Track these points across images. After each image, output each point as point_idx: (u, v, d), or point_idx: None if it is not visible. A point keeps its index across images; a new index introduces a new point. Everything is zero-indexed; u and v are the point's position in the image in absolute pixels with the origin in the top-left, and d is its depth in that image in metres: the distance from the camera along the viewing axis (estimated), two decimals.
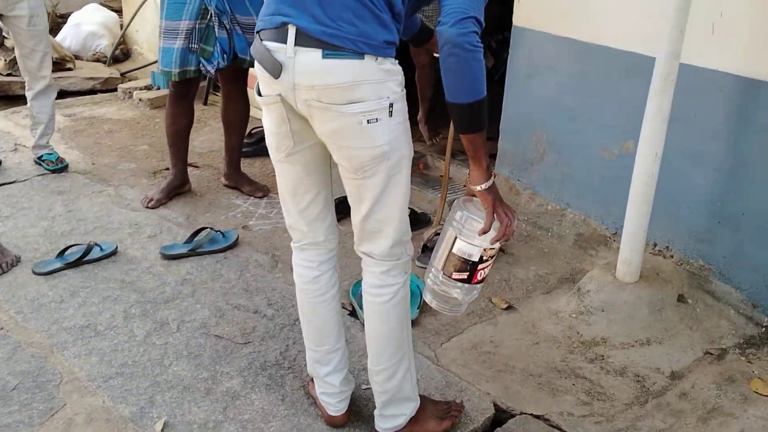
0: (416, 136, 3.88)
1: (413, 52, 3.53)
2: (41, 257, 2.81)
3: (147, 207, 3.25)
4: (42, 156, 3.59)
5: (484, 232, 1.64)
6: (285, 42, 1.58)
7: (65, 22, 5.59)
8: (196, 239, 2.90)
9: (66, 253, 2.78)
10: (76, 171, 3.62)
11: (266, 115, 1.76)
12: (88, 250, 2.78)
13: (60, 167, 3.57)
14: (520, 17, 3.04)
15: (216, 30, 2.95)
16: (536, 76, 3.06)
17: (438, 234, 2.97)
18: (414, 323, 2.49)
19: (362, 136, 1.60)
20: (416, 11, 1.82)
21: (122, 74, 5.19)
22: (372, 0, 1.55)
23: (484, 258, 1.68)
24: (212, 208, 3.30)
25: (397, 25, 1.61)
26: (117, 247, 2.87)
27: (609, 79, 2.81)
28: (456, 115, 1.59)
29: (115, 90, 4.79)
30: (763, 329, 2.52)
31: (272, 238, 3.05)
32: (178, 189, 3.36)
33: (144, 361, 2.27)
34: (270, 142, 1.80)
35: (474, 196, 1.69)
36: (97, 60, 5.34)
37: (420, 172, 3.53)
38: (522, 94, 3.13)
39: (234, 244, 2.95)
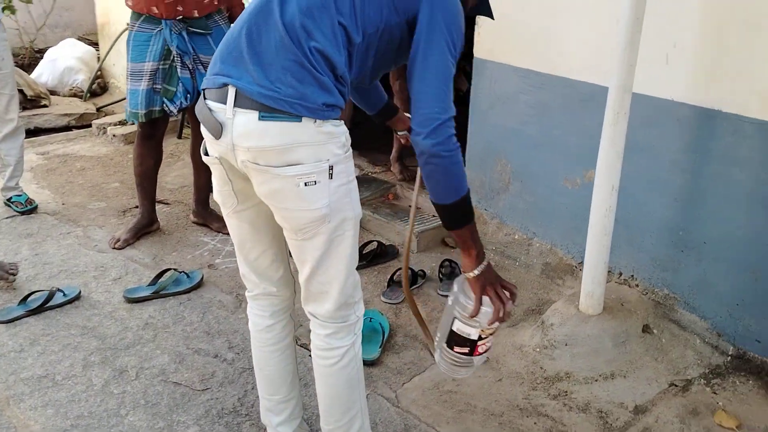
0: (382, 161, 3.89)
1: (392, 78, 3.51)
2: (4, 304, 2.79)
3: (114, 248, 3.23)
4: (11, 198, 3.58)
5: (471, 317, 1.63)
6: (225, 102, 1.57)
7: (43, 57, 5.61)
8: (160, 281, 2.88)
9: (28, 299, 2.76)
10: (45, 212, 3.61)
11: (212, 173, 1.76)
12: (51, 296, 2.76)
13: (29, 209, 3.57)
14: (480, 49, 3.04)
15: (179, 70, 2.96)
16: (498, 106, 3.06)
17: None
18: (376, 363, 2.48)
19: (300, 198, 1.57)
20: (376, 77, 1.78)
21: (99, 108, 5.19)
22: (311, 62, 1.53)
23: (483, 336, 1.67)
24: (179, 247, 3.28)
25: (340, 87, 1.58)
26: (80, 292, 2.85)
27: (569, 110, 2.81)
28: (441, 214, 1.59)
29: (91, 126, 4.79)
30: (729, 358, 2.49)
31: (237, 276, 2.97)
32: (146, 228, 3.34)
33: (100, 411, 2.25)
34: (217, 198, 1.80)
35: None
36: (74, 95, 5.34)
37: (389, 202, 3.52)
38: (485, 124, 3.13)
39: (199, 285, 2.93)
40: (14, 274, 2.92)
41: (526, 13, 2.85)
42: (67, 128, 4.82)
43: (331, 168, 1.57)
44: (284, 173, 1.55)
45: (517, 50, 2.92)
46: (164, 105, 3.00)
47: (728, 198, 2.43)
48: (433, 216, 3.37)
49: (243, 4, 3.17)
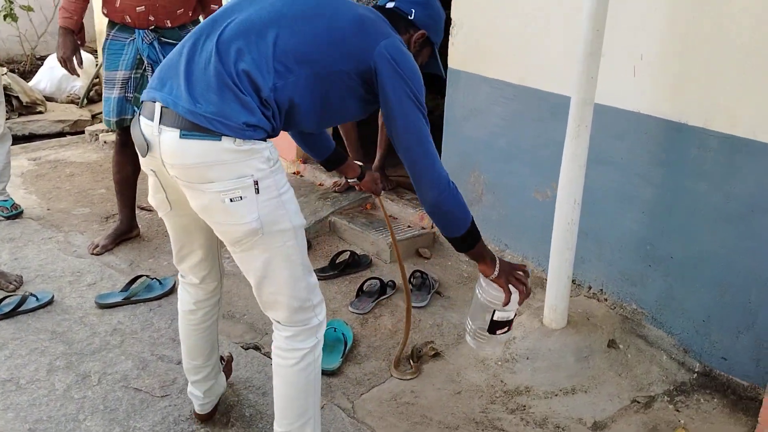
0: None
1: None
2: None
3: (92, 253, 3.26)
4: None
5: (505, 304, 1.80)
6: (153, 119, 1.62)
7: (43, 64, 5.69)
8: (132, 287, 2.90)
9: (1, 304, 2.79)
10: (30, 217, 3.65)
11: (149, 179, 1.80)
12: (23, 300, 2.79)
13: (14, 214, 3.60)
14: (454, 59, 3.04)
15: (149, 79, 2.98)
16: (472, 117, 3.05)
17: (372, 279, 2.96)
18: (336, 372, 2.48)
19: (227, 213, 1.61)
20: (325, 123, 1.82)
21: (94, 115, 5.24)
22: (235, 82, 1.56)
23: (517, 314, 1.95)
24: (157, 254, 3.31)
25: (264, 110, 1.60)
26: (53, 297, 2.88)
27: (540, 121, 2.80)
28: (454, 243, 1.78)
29: (84, 132, 4.84)
30: (695, 375, 2.46)
31: None
32: (125, 235, 3.37)
33: (59, 416, 2.26)
34: (151, 201, 1.86)
35: None
36: (72, 102, 5.41)
37: (367, 212, 3.52)
38: (459, 135, 3.12)
39: (170, 291, 2.94)
40: (16, 288, 2.94)
41: (497, 24, 2.85)
42: (61, 134, 4.87)
43: (256, 183, 1.60)
44: (209, 189, 1.59)
45: (490, 61, 2.92)
46: (134, 113, 3.03)
47: (694, 212, 2.41)
48: (408, 227, 3.37)
49: None
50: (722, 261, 2.37)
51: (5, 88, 4.77)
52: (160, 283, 2.96)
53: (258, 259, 1.67)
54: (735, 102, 2.24)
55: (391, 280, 3.00)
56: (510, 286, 1.79)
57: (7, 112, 4.65)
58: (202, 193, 1.60)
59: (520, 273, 1.83)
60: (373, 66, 1.62)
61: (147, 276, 2.97)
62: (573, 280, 2.79)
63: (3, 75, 4.88)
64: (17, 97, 4.84)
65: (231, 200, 1.58)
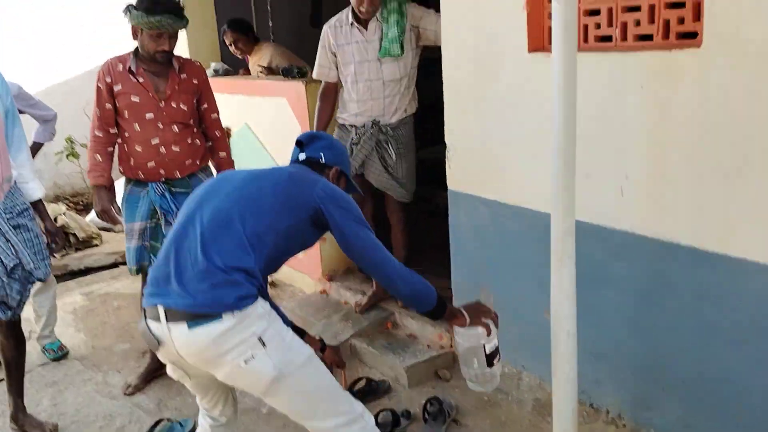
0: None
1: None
2: None
3: (125, 394, 3.38)
4: (45, 345, 3.83)
5: (488, 335, 2.11)
6: (159, 320, 1.85)
7: None
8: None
9: None
10: (75, 357, 3.82)
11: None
12: None
13: (60, 355, 3.79)
14: (453, 181, 3.06)
15: (163, 227, 3.15)
16: (475, 237, 3.04)
17: (385, 411, 2.92)
18: None
19: (247, 375, 1.84)
20: (283, 262, 2.06)
21: None
22: (223, 269, 1.81)
23: (497, 340, 2.18)
24: (184, 391, 3.36)
25: (251, 280, 1.84)
26: None
27: (538, 241, 2.73)
28: (430, 316, 2.07)
29: None
30: None
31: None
32: (155, 372, 3.47)
33: None
34: (170, 374, 2.08)
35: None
36: None
37: (387, 331, 3.50)
38: (465, 254, 3.11)
39: None
40: None
41: (488, 148, 2.86)
42: (114, 265, 5.12)
43: (260, 339, 1.81)
44: (226, 361, 1.83)
45: (485, 183, 2.92)
46: (151, 260, 3.18)
47: (700, 334, 2.29)
48: (428, 346, 3.33)
49: (232, 163, 3.33)
50: (736, 385, 2.22)
51: (63, 227, 5.14)
52: (181, 425, 3.02)
53: (285, 401, 1.92)
54: (724, 221, 2.15)
55: (405, 410, 2.96)
56: (483, 320, 2.09)
57: (64, 248, 4.99)
58: (222, 366, 1.84)
59: (481, 304, 2.15)
60: (319, 206, 1.96)
61: (168, 419, 3.04)
62: (591, 405, 2.69)
63: (62, 215, 5.26)
64: (74, 234, 5.18)
65: (245, 362, 1.81)
